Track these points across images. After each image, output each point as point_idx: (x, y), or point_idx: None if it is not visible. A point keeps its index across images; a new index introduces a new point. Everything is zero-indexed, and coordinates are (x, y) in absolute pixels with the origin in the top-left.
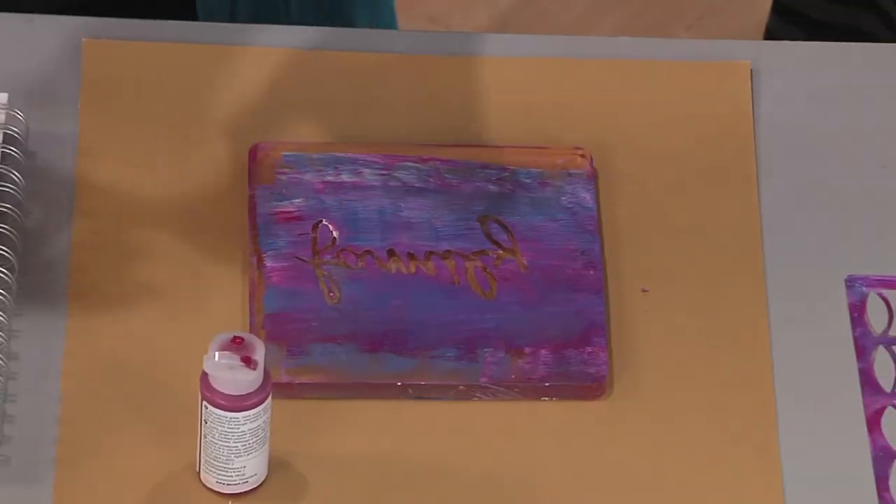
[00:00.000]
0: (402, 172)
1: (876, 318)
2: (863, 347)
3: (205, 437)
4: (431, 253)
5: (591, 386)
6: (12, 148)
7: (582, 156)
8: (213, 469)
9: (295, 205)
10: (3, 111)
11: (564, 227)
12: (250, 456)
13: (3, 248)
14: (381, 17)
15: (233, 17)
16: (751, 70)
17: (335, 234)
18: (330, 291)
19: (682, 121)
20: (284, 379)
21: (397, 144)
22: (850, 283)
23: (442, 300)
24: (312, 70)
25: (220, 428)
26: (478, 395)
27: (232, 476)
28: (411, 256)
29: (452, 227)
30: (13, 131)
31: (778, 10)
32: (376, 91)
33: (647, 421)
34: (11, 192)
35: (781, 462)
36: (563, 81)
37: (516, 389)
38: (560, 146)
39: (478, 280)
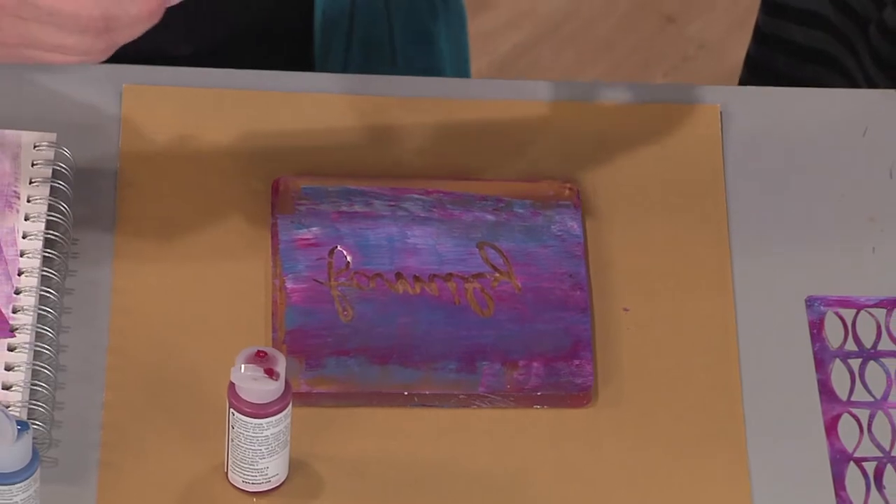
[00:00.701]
0: (409, 203)
1: (833, 334)
2: (821, 360)
3: (232, 440)
4: (435, 276)
5: (579, 395)
6: (60, 182)
7: (570, 189)
8: (239, 470)
9: (312, 232)
10: (53, 149)
11: (554, 253)
12: (273, 458)
13: (51, 271)
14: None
15: (346, 67)
16: (720, 112)
17: (349, 258)
18: (344, 310)
19: (659, 157)
20: (303, 389)
21: (404, 178)
22: (810, 302)
23: (444, 318)
24: (328, 112)
25: (245, 433)
26: (476, 403)
27: (256, 476)
28: (417, 279)
29: (454, 253)
30: (61, 167)
31: (749, 64)
32: (386, 130)
33: (629, 426)
34: (59, 220)
35: (749, 462)
36: (553, 122)
37: (511, 398)
38: (550, 180)
39: (476, 300)
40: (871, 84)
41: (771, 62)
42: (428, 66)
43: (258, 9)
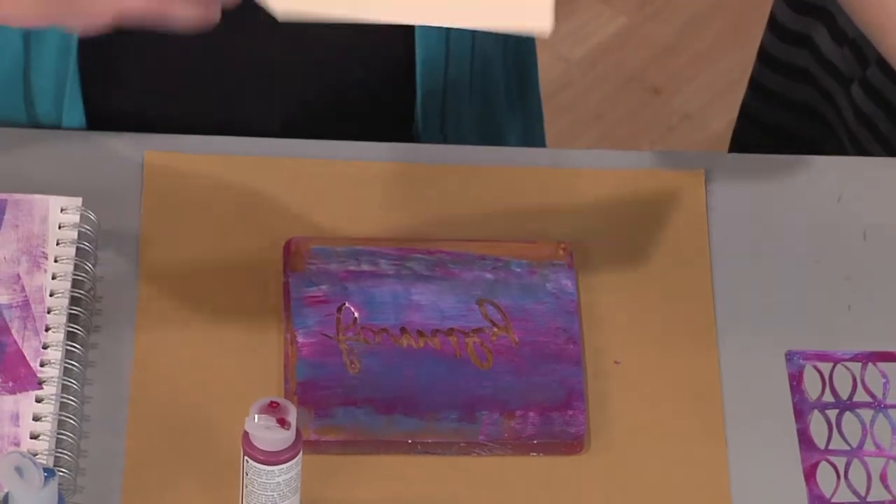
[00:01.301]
0: (413, 263)
1: (811, 386)
2: (800, 411)
3: (246, 486)
4: (437, 330)
5: (572, 443)
6: (86, 243)
7: (563, 249)
8: None
9: (322, 290)
10: (79, 212)
11: (549, 309)
12: (285, 503)
13: (76, 327)
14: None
15: (444, 137)
16: (705, 178)
17: (356, 314)
18: (351, 363)
19: (647, 220)
20: (313, 437)
21: (408, 239)
22: (790, 356)
23: (446, 370)
24: (337, 176)
25: (259, 479)
26: (476, 450)
27: None
28: (420, 333)
29: (455, 309)
30: (86, 229)
31: (743, 114)
32: (392, 194)
33: (619, 473)
34: (85, 279)
35: None
36: (548, 187)
37: (509, 446)
38: (545, 241)
39: (476, 353)
40: (853, 139)
41: (763, 114)
42: None
43: (356, 92)
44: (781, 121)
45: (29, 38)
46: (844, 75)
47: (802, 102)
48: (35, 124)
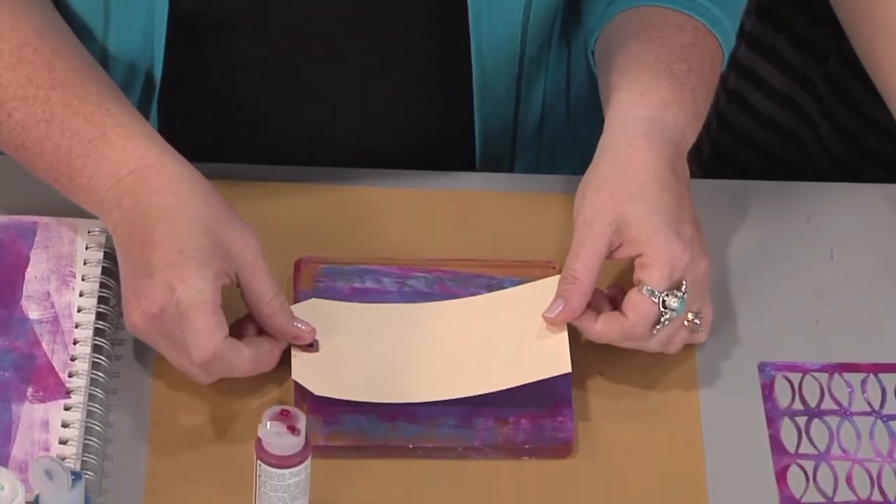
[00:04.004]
0: (413, 281)
1: (782, 394)
2: (772, 418)
3: (259, 488)
4: None
5: (561, 448)
6: (111, 262)
7: (552, 267)
8: None
9: None
10: (104, 233)
11: None
12: (295, 503)
13: (102, 340)
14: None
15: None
16: None
17: None
18: None
19: None
20: (321, 442)
21: (409, 259)
22: (762, 367)
23: None
24: (347, 201)
25: (270, 481)
26: (472, 455)
27: None
28: None
29: None
30: (111, 249)
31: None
32: (394, 218)
33: (604, 476)
34: (110, 296)
35: None
36: (538, 211)
37: (502, 451)
38: (535, 260)
39: None
40: (828, 115)
41: (746, 97)
42: None
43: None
44: (762, 106)
45: None
46: (820, 52)
47: (781, 91)
48: None
